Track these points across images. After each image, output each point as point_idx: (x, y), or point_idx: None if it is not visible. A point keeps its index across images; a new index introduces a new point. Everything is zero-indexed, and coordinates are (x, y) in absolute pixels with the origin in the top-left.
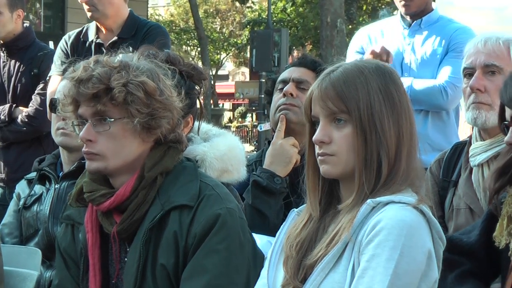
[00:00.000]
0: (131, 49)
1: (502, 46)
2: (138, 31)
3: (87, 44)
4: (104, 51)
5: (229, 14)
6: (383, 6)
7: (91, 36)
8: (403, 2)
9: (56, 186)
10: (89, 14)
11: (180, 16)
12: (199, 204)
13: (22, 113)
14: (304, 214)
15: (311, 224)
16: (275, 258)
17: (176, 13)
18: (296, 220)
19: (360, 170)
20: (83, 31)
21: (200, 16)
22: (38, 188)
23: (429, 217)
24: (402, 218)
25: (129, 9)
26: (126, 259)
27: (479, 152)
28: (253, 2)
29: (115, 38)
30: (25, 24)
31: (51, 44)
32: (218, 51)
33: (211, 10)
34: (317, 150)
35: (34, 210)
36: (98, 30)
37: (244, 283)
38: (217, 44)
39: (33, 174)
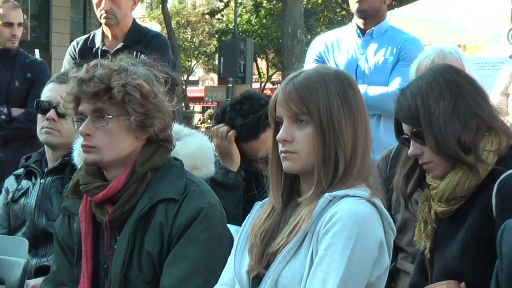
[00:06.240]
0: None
1: (456, 59)
2: (140, 39)
3: (93, 51)
4: (110, 57)
5: (199, 25)
6: (339, 18)
7: (98, 43)
8: None
9: (41, 181)
10: (104, 21)
11: None
12: (184, 198)
13: (23, 111)
14: (267, 206)
15: (274, 215)
16: (241, 246)
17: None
18: (260, 211)
19: (319, 167)
20: (90, 38)
21: (173, 27)
22: (25, 183)
23: (380, 209)
24: (357, 210)
25: (133, 17)
26: (115, 246)
27: None
28: (222, 15)
29: (120, 45)
30: None
31: (37, 52)
32: (189, 59)
33: (183, 21)
34: (281, 148)
35: (21, 203)
36: (104, 37)
37: (221, 273)
38: (188, 52)
39: (20, 170)
